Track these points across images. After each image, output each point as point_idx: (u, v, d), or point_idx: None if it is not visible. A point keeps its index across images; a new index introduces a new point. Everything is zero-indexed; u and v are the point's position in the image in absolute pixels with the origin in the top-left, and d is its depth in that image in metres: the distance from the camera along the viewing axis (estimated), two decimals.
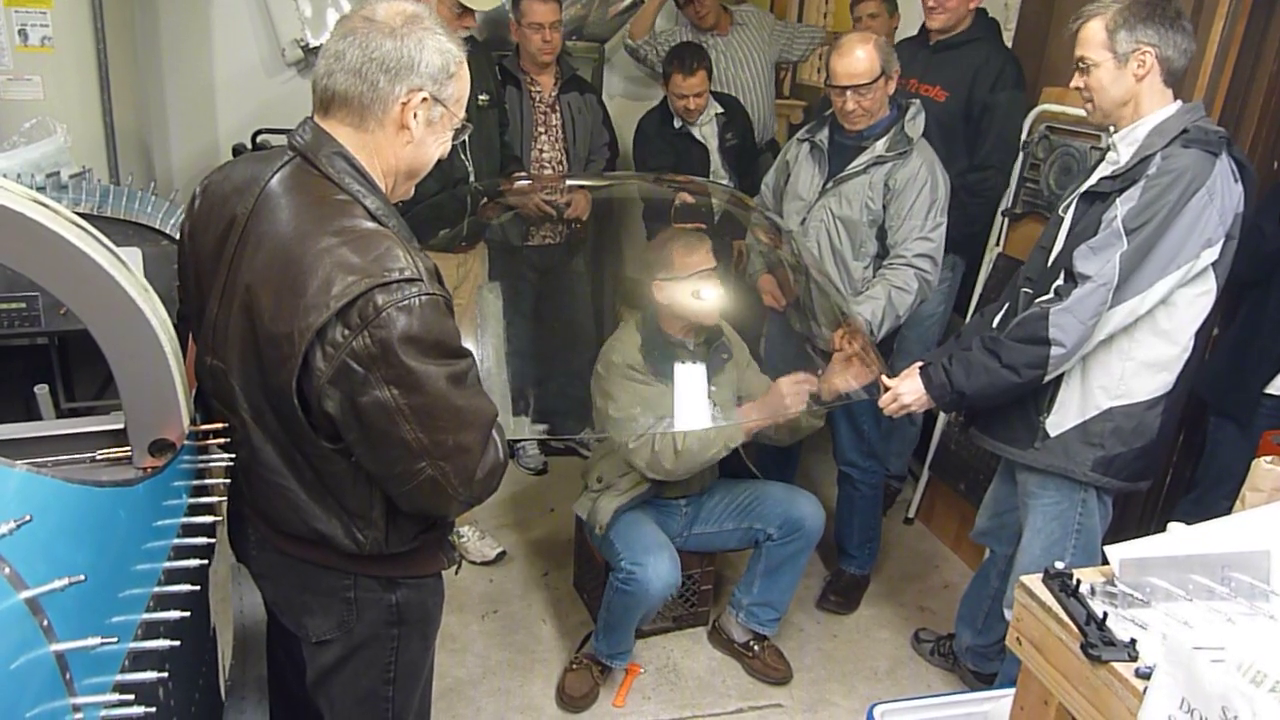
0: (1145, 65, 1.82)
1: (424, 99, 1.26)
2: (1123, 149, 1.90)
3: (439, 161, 2.75)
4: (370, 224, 1.21)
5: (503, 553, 3.06)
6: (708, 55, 3.33)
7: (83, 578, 0.75)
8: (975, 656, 2.50)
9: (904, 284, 2.49)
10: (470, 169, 2.92)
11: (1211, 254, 1.83)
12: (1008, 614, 2.12)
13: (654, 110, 3.51)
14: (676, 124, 3.41)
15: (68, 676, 0.76)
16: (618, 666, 2.51)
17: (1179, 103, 1.87)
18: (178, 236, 1.44)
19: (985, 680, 2.48)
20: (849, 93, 2.45)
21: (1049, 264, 2.00)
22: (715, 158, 3.44)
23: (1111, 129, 1.94)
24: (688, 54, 3.29)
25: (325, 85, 1.26)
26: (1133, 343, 1.92)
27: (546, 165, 3.31)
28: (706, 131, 3.41)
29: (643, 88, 4.12)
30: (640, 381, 2.31)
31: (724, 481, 2.60)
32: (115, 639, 0.82)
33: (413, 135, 1.28)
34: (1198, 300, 1.88)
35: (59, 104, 2.83)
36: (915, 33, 3.20)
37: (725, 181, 3.44)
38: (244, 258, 1.24)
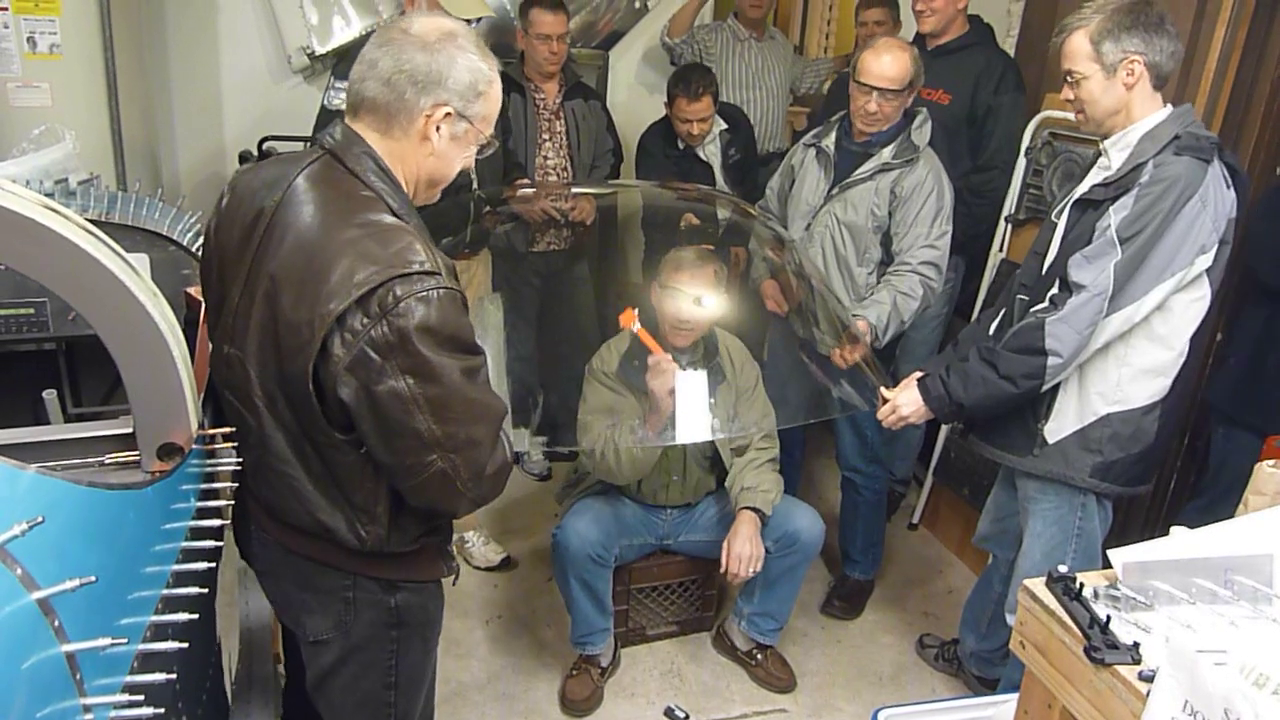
0: (1134, 73, 1.82)
1: (448, 114, 1.30)
2: (1114, 155, 1.90)
3: None
4: (392, 219, 1.25)
5: (507, 558, 3.07)
6: (714, 79, 3.30)
7: (94, 579, 0.76)
8: (979, 661, 2.50)
9: (909, 290, 2.49)
10: (473, 175, 2.93)
11: (1205, 260, 1.84)
12: (1010, 619, 2.13)
13: (656, 126, 3.48)
14: (680, 144, 3.38)
15: (78, 677, 0.77)
16: (593, 651, 2.51)
17: (1169, 107, 1.88)
18: (201, 235, 1.45)
19: (989, 685, 2.48)
20: (875, 94, 2.44)
21: (1043, 271, 2.01)
22: (719, 176, 3.42)
23: (1103, 137, 1.94)
24: (693, 77, 3.22)
25: (357, 90, 1.30)
26: (1129, 349, 1.92)
27: (551, 172, 3.32)
28: (711, 150, 3.39)
29: (647, 94, 4.14)
30: (608, 387, 2.35)
31: (723, 490, 2.60)
32: (125, 640, 0.82)
33: (435, 147, 1.32)
34: (1192, 306, 1.89)
35: (67, 111, 2.85)
36: (910, 40, 3.23)
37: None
38: (269, 248, 1.27)
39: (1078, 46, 1.85)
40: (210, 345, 1.40)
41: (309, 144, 1.38)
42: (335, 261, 1.18)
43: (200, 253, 1.74)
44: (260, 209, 1.30)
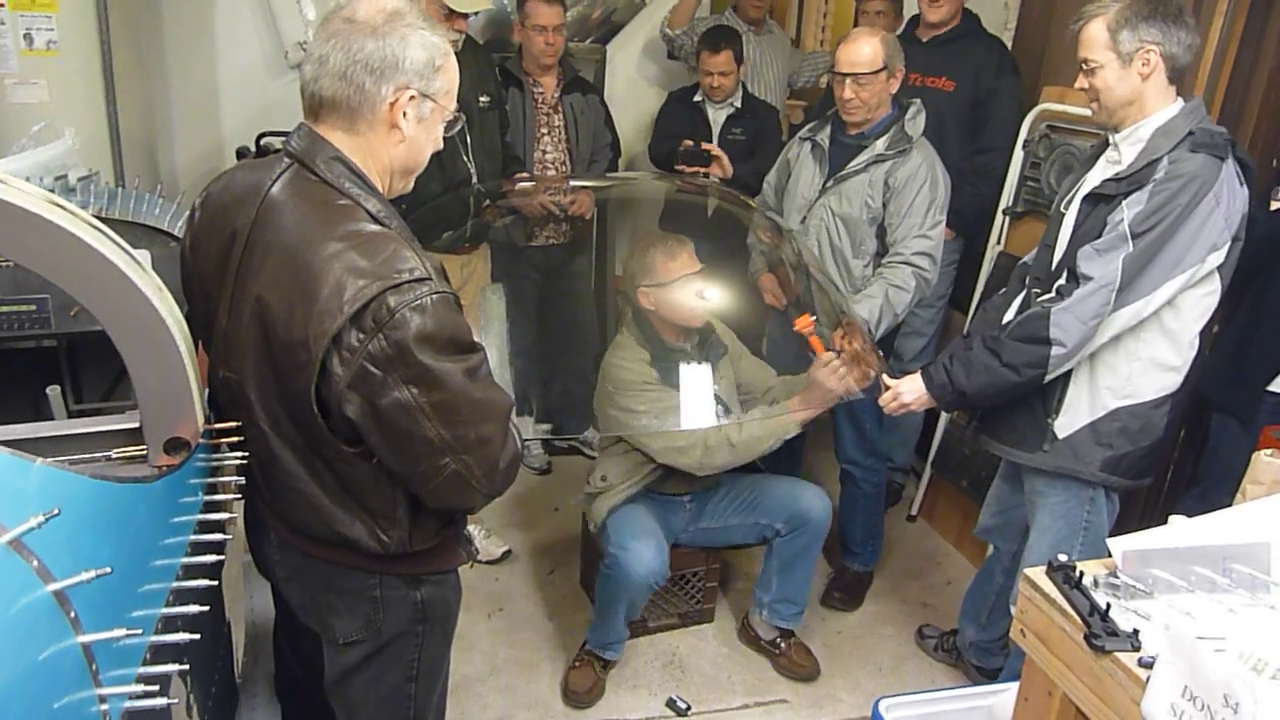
0: (1150, 64, 1.81)
1: (412, 96, 1.26)
2: (1125, 149, 1.90)
3: (441, 163, 2.71)
4: (374, 227, 1.21)
5: (508, 551, 3.08)
6: (739, 40, 3.41)
7: (109, 570, 0.76)
8: (979, 652, 2.51)
9: (901, 283, 2.50)
10: (473, 170, 2.93)
11: (1217, 258, 1.84)
12: (1014, 610, 2.14)
13: (689, 85, 3.62)
14: (697, 97, 3.49)
15: (94, 667, 0.78)
16: (611, 657, 2.53)
17: (1181, 101, 1.87)
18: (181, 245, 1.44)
19: (989, 675, 2.50)
20: (848, 80, 2.47)
21: (1054, 265, 2.01)
22: (715, 142, 3.48)
23: (1113, 130, 1.94)
24: (717, 34, 3.38)
25: (313, 90, 1.26)
26: (1139, 343, 1.92)
27: (549, 166, 3.33)
28: (717, 116, 3.47)
29: (646, 88, 4.14)
30: (657, 393, 2.32)
31: (728, 476, 2.61)
32: (140, 631, 0.83)
33: (404, 134, 1.28)
34: (1203, 301, 1.89)
35: (64, 107, 2.84)
36: (901, 30, 3.32)
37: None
38: (251, 268, 1.24)
39: (1095, 34, 1.84)
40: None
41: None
42: (323, 278, 1.15)
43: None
44: (234, 229, 1.27)
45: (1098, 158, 2.01)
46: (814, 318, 2.20)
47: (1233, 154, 1.82)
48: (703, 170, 3.26)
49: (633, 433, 2.36)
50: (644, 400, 2.30)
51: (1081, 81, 1.90)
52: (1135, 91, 1.85)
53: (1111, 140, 1.94)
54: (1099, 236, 1.86)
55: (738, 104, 3.47)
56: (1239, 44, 2.54)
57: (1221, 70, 2.56)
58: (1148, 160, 1.82)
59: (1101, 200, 1.90)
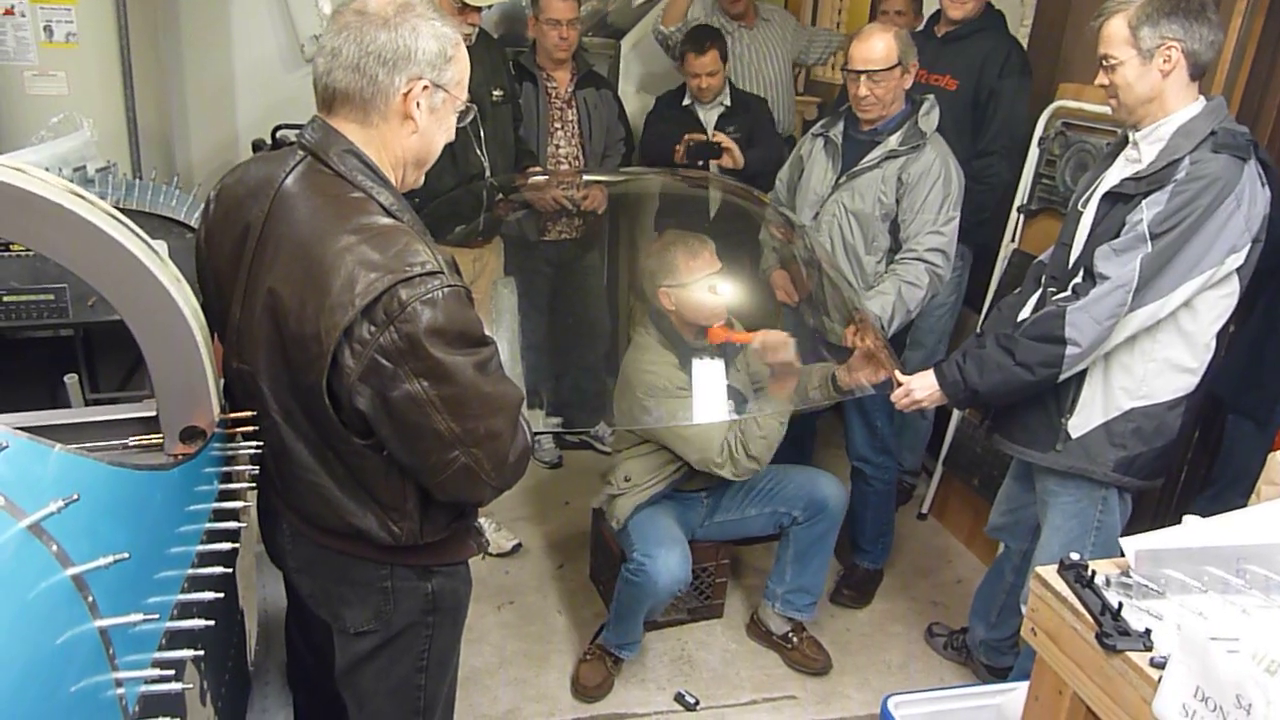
0: (1171, 60, 1.79)
1: (424, 86, 1.27)
2: (1145, 148, 1.87)
3: (454, 157, 2.72)
4: (387, 220, 1.22)
5: (519, 545, 3.09)
6: (723, 38, 3.38)
7: (126, 555, 0.77)
8: (989, 650, 2.51)
9: (915, 279, 2.49)
10: (486, 164, 2.94)
11: (1237, 259, 1.82)
12: (1025, 609, 2.13)
13: (674, 89, 3.60)
14: (685, 100, 3.47)
15: (110, 652, 0.79)
16: (626, 657, 2.54)
17: (1202, 100, 1.85)
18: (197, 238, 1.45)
19: (998, 674, 2.49)
20: (863, 78, 2.46)
21: (1070, 263, 2.00)
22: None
23: (1133, 128, 1.92)
24: (701, 34, 3.36)
25: (326, 83, 1.27)
26: (1155, 344, 1.91)
27: (563, 161, 3.34)
28: (709, 116, 3.44)
29: (659, 83, 4.14)
30: (680, 395, 2.30)
31: None
32: (156, 616, 0.84)
33: (417, 125, 1.29)
34: (1220, 302, 1.87)
35: (83, 99, 2.87)
36: (921, 26, 3.29)
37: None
38: (264, 261, 1.25)
39: (1115, 31, 1.82)
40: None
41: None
42: (334, 271, 1.15)
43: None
44: (248, 222, 1.28)
45: (1116, 155, 1.99)
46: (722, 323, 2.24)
47: (1255, 155, 1.80)
48: (715, 162, 3.25)
49: (668, 440, 2.38)
50: (682, 406, 2.30)
51: (1101, 78, 1.88)
52: (1155, 89, 1.82)
53: (1131, 138, 1.92)
54: (1117, 236, 1.84)
55: (727, 102, 3.44)
56: (1257, 43, 2.52)
57: (1240, 70, 2.54)
58: (1168, 160, 1.80)
59: (1120, 199, 1.88)
